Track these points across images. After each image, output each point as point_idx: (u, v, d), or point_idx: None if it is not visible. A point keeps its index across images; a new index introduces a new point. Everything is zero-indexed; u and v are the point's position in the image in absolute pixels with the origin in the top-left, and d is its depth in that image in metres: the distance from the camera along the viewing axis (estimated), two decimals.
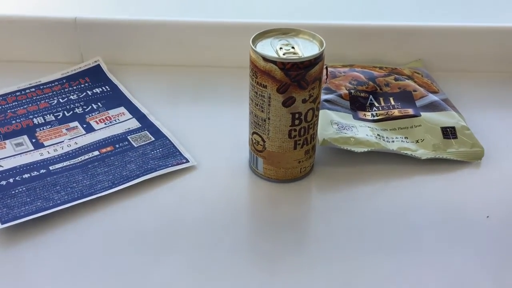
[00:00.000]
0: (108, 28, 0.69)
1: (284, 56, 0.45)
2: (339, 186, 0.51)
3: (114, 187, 0.49)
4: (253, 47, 0.46)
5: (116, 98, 0.63)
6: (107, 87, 0.65)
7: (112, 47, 0.70)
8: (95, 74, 0.67)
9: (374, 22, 0.68)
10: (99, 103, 0.62)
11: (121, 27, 0.69)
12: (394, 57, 0.70)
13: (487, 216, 0.48)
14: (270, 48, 0.46)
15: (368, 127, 0.56)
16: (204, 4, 0.75)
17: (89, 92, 0.64)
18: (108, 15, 0.69)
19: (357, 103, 0.59)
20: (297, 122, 0.47)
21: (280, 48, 0.46)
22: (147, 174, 0.50)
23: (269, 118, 0.47)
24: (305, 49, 0.46)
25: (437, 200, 0.49)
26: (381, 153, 0.54)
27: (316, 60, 0.45)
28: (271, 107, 0.47)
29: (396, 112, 0.58)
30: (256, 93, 0.47)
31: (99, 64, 0.69)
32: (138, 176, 0.50)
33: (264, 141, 0.49)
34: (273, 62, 0.44)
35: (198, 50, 0.70)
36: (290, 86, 0.45)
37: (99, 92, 0.64)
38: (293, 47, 0.46)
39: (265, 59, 0.45)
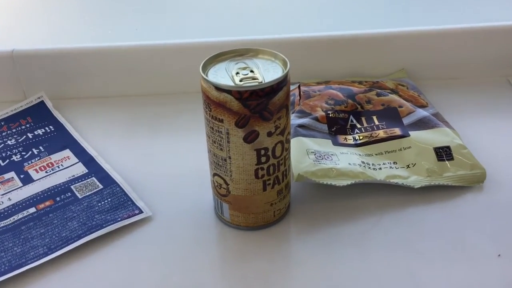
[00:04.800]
0: (51, 59, 0.61)
1: (241, 83, 0.37)
2: (321, 229, 0.43)
3: (50, 254, 0.41)
4: (204, 75, 0.38)
5: (60, 140, 0.54)
6: (51, 127, 0.57)
7: (57, 80, 0.62)
8: (38, 113, 0.59)
9: (348, 32, 0.61)
10: (40, 147, 0.53)
11: (65, 57, 0.61)
12: (374, 68, 0.63)
13: (499, 255, 0.40)
14: (225, 74, 0.38)
15: (351, 153, 0.48)
16: (156, 25, 0.67)
17: (30, 135, 0.55)
18: (50, 44, 0.61)
19: (336, 125, 0.52)
20: (263, 159, 0.39)
21: (237, 73, 0.38)
22: (90, 233, 0.42)
23: (229, 157, 0.39)
24: (266, 72, 0.38)
25: (437, 237, 0.42)
26: (367, 184, 0.46)
27: (280, 85, 0.37)
28: (231, 144, 0.39)
29: (381, 133, 0.51)
30: (212, 128, 0.39)
31: (43, 101, 0.61)
32: (79, 237, 0.42)
33: (227, 184, 0.41)
34: (228, 91, 0.37)
35: (153, 77, 0.62)
36: (251, 119, 0.37)
37: (41, 133, 0.56)
38: (252, 71, 0.39)
39: (218, 88, 0.37)
